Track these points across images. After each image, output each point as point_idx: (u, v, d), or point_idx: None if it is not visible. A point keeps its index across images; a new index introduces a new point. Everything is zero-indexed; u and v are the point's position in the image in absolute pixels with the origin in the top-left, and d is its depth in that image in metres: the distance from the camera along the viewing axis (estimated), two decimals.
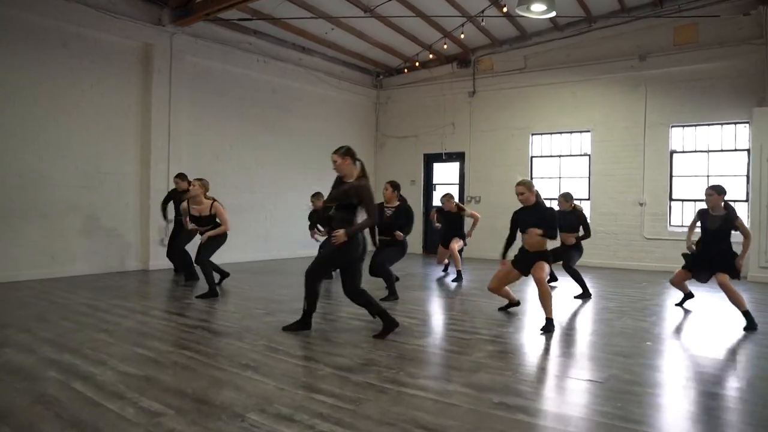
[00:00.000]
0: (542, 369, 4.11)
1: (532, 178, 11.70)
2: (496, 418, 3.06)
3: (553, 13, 8.64)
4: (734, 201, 9.68)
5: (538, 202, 5.56)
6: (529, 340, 4.93)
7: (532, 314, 5.98)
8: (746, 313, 5.41)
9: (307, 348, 4.50)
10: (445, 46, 11.27)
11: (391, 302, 6.49)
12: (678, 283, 6.27)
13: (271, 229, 11.17)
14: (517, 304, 6.19)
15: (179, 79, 9.53)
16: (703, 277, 5.93)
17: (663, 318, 6.04)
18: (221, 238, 7.03)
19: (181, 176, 8.31)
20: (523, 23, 10.90)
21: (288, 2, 9.43)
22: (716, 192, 5.82)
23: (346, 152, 5.07)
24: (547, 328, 5.15)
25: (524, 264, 5.55)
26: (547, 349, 4.61)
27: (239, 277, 8.40)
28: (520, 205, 5.61)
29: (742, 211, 9.51)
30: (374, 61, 12.82)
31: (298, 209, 11.77)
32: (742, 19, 9.47)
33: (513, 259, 5.67)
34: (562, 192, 7.58)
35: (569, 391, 3.62)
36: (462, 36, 10.70)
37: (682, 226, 10.16)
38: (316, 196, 8.63)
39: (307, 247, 11.75)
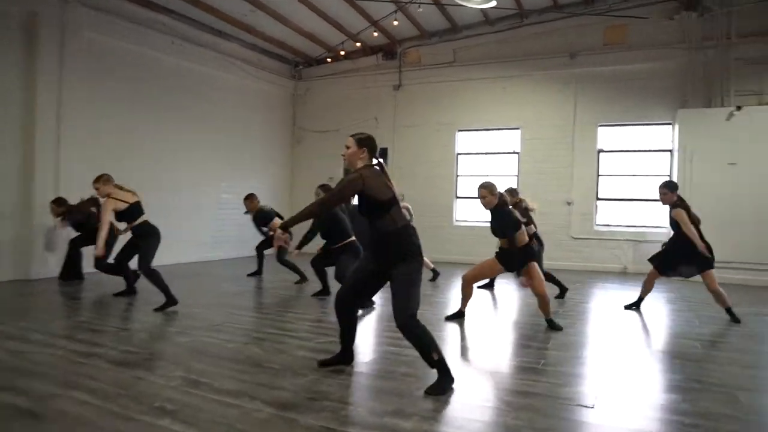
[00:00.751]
0: (524, 393, 3.51)
1: (457, 176, 11.31)
2: None
3: (494, 3, 8.22)
4: (657, 200, 9.76)
5: (497, 205, 5.17)
6: (490, 356, 4.35)
7: (474, 326, 5.43)
8: (729, 310, 5.77)
9: (238, 379, 3.62)
10: (375, 34, 10.58)
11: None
12: (650, 282, 6.21)
13: (185, 229, 9.92)
14: (462, 316, 5.66)
15: (74, 57, 8.08)
16: (685, 272, 6.00)
17: (622, 322, 5.70)
18: (152, 240, 6.05)
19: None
20: (454, 15, 10.45)
21: None
22: (669, 189, 5.89)
23: (361, 141, 3.62)
24: (552, 326, 5.22)
25: (510, 261, 5.29)
26: (523, 368, 4.04)
27: (147, 285, 7.25)
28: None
29: (664, 210, 9.59)
30: (294, 50, 11.90)
31: (215, 206, 10.73)
32: (668, 23, 9.55)
33: (497, 252, 5.40)
34: (507, 188, 7.18)
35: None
36: (395, 22, 10.02)
37: (609, 225, 10.16)
38: (249, 198, 8.10)
39: (216, 249, 10.79)
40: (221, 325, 5.21)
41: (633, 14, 9.51)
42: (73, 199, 7.55)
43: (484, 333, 5.25)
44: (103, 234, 5.84)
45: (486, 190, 5.14)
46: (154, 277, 5.82)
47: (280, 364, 3.97)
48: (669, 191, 5.87)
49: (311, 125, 12.70)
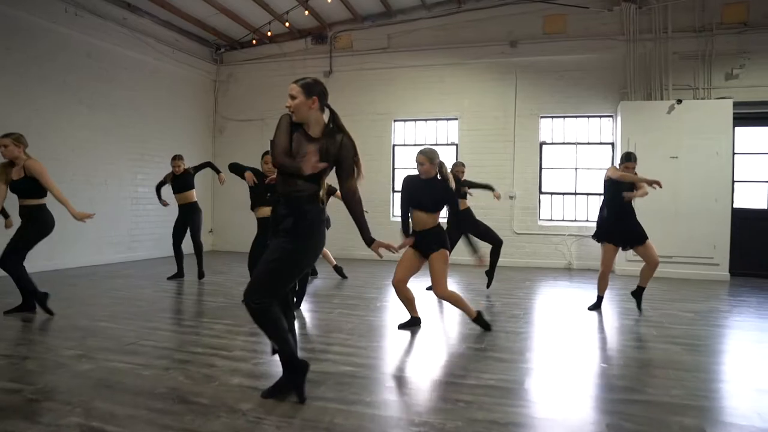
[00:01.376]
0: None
1: (394, 168, 10.70)
2: None
3: None
4: (600, 194, 9.57)
5: (436, 178, 4.75)
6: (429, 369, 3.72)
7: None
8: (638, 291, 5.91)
9: (157, 424, 2.78)
10: (307, 12, 9.66)
11: None
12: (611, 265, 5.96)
13: (98, 227, 8.63)
14: (417, 323, 5.05)
15: None
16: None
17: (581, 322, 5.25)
18: (42, 226, 5.07)
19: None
20: None
21: None
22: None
23: (309, 87, 3.15)
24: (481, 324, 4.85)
25: (425, 247, 4.75)
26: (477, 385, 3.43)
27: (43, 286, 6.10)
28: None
29: None
30: (215, 31, 10.80)
31: (131, 201, 9.56)
32: (607, 14, 9.37)
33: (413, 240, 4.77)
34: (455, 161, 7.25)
35: None
36: (329, 0, 9.18)
37: (552, 220, 9.89)
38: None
39: (134, 248, 9.62)
40: (135, 343, 4.29)
41: (573, 3, 9.26)
42: None
43: (435, 342, 4.63)
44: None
45: (425, 157, 4.69)
46: (20, 273, 4.90)
47: (210, 396, 3.16)
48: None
49: (234, 114, 11.66)
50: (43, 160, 7.73)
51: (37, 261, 7.44)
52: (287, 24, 10.00)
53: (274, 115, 10.90)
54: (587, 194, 9.68)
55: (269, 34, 10.38)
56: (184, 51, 10.67)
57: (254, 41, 10.88)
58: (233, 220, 11.30)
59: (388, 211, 10.58)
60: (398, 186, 10.66)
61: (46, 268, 7.83)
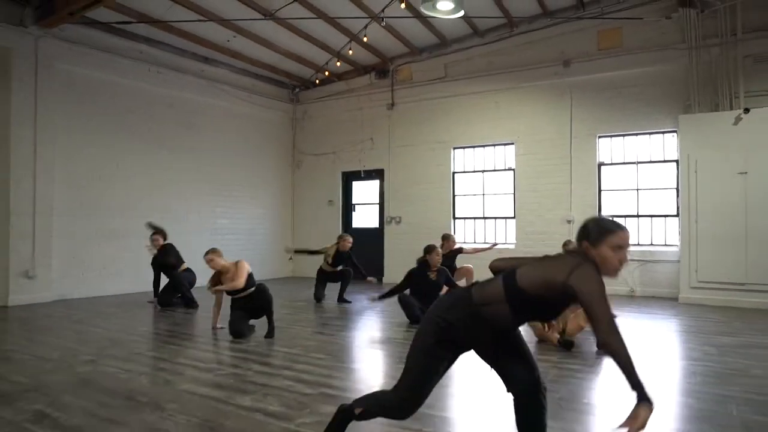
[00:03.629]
0: None
1: (454, 196, 10.76)
2: None
3: (461, 13, 7.76)
4: (664, 216, 8.94)
5: None
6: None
7: None
8: None
9: (91, 414, 3.32)
10: (351, 52, 10.22)
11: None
12: None
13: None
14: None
15: (48, 89, 8.20)
16: None
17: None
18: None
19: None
20: (441, 29, 10.06)
21: (178, 5, 8.31)
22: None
23: None
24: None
25: None
26: None
27: (106, 311, 7.13)
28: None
29: (673, 226, 8.76)
30: (287, 73, 11.78)
31: (204, 232, 10.62)
32: (665, 22, 8.82)
33: None
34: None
35: None
36: (365, 38, 9.68)
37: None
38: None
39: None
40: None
41: (627, 16, 8.85)
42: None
43: None
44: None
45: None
46: None
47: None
48: None
49: (310, 149, 12.50)
50: (125, 196, 9.07)
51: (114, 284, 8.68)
52: (338, 63, 10.65)
53: (344, 147, 11.69)
54: (651, 216, 9.03)
55: (327, 74, 11.10)
56: (260, 94, 11.73)
57: (317, 81, 11.64)
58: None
59: None
60: (459, 213, 10.72)
61: (127, 291, 9.01)
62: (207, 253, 5.80)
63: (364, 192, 12.09)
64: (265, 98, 11.86)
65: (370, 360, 5.02)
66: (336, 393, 3.81)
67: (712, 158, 8.03)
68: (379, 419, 2.79)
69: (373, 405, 2.56)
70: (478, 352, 2.41)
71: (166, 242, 8.17)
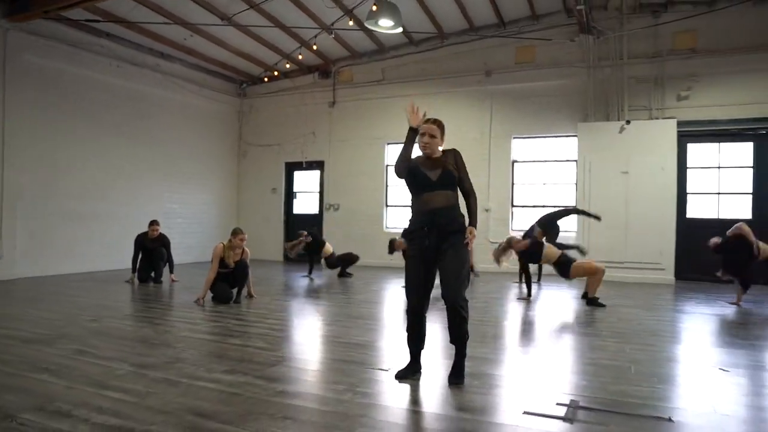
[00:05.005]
0: (351, 362, 4.21)
1: (387, 186, 12.09)
2: (271, 403, 3.11)
3: (400, 29, 9.03)
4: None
5: None
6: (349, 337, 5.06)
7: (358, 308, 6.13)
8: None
9: (118, 350, 4.31)
10: (301, 57, 11.40)
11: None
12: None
13: (124, 238, 10.52)
14: None
15: (15, 79, 8.77)
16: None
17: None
18: None
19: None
20: (381, 38, 11.28)
21: (142, 6, 9.06)
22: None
23: (443, 128, 3.85)
24: None
25: None
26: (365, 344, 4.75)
27: (79, 285, 7.92)
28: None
29: (571, 217, 10.40)
30: (237, 70, 12.65)
31: (155, 215, 11.33)
32: (570, 44, 10.43)
33: None
34: None
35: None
36: (314, 47, 10.85)
37: (522, 230, 10.94)
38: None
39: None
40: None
41: (540, 36, 10.41)
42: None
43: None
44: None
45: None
46: None
47: (161, 341, 4.67)
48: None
49: (255, 140, 13.42)
50: (88, 182, 9.74)
51: (82, 263, 9.39)
52: (288, 65, 11.70)
53: (288, 140, 12.69)
54: (556, 207, 10.66)
55: (276, 73, 12.09)
56: (210, 88, 12.54)
57: (266, 78, 12.61)
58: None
59: (382, 224, 11.98)
60: (391, 201, 12.07)
61: (92, 269, 9.72)
62: (242, 232, 6.87)
63: (306, 181, 13.19)
64: (214, 92, 12.67)
65: (315, 314, 6.22)
66: (300, 335, 5.00)
67: (602, 159, 9.75)
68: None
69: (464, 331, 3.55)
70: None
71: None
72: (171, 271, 8.78)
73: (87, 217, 9.87)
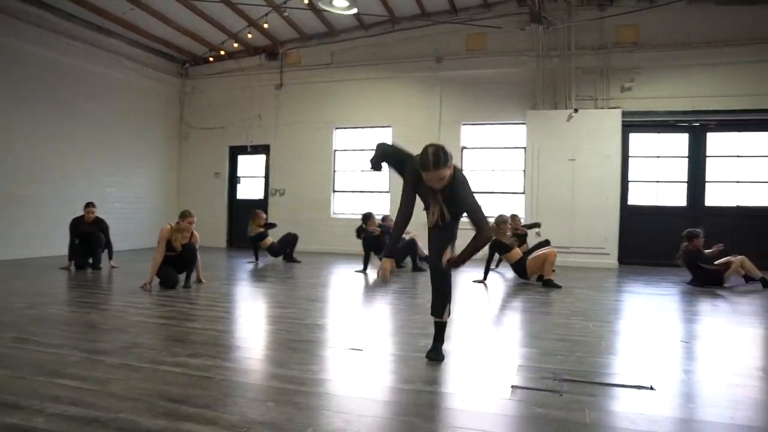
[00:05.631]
0: (319, 343, 4.06)
1: (334, 171, 11.93)
2: (248, 386, 2.94)
3: (355, 10, 8.87)
4: (514, 193, 10.80)
5: None
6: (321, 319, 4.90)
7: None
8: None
9: (66, 337, 3.96)
10: (250, 35, 11.00)
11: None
12: None
13: (58, 223, 9.84)
14: None
15: None
16: None
17: None
18: None
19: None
20: (331, 20, 11.05)
21: None
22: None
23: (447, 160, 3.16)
24: None
25: None
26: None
27: (11, 272, 7.33)
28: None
29: (520, 201, 10.57)
30: (180, 48, 12.06)
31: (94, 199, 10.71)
32: (520, 33, 10.56)
33: None
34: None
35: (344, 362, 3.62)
36: (266, 25, 10.49)
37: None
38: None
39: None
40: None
41: (491, 24, 10.49)
42: None
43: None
44: None
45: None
46: None
47: (112, 325, 4.35)
48: None
49: (198, 122, 12.89)
50: (19, 162, 9.05)
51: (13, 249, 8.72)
52: (236, 45, 11.26)
53: (233, 123, 12.28)
54: (503, 193, 10.84)
55: (222, 53, 11.61)
56: (152, 67, 11.92)
57: (210, 58, 12.10)
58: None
59: (329, 210, 11.84)
60: (338, 187, 11.92)
61: (23, 256, 9.04)
62: (191, 215, 6.47)
63: (250, 165, 12.80)
64: (156, 71, 12.05)
65: (271, 297, 6.03)
66: (260, 318, 4.81)
67: (550, 147, 9.95)
68: None
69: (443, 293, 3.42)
70: None
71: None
72: (110, 257, 8.29)
73: (18, 200, 9.15)
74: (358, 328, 4.52)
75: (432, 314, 3.49)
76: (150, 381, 2.97)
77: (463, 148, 11.09)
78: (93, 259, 8.13)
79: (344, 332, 4.36)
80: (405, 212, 3.35)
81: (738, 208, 9.92)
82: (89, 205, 8.25)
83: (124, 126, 11.35)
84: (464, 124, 11.04)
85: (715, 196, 10.00)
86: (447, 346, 3.63)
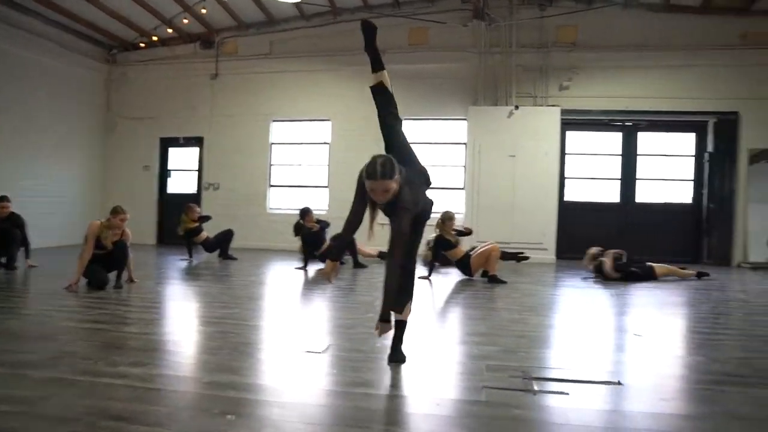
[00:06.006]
0: (274, 346, 3.83)
1: (270, 165, 11.58)
2: (203, 397, 2.68)
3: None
4: (454, 189, 10.82)
5: None
6: (255, 319, 4.65)
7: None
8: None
9: None
10: (185, 21, 10.44)
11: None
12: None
13: None
14: None
15: None
16: None
17: None
18: None
19: None
20: (271, 8, 10.69)
21: None
22: None
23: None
24: None
25: None
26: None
27: None
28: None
29: (460, 197, 10.59)
30: (107, 32, 11.26)
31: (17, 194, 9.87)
32: (462, 29, 10.58)
33: None
34: None
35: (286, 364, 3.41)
36: (203, 11, 10.00)
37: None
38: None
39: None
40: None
41: (434, 19, 10.46)
42: None
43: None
44: None
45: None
46: None
47: (37, 333, 3.92)
48: None
49: (127, 112, 12.14)
50: None
51: None
52: (170, 30, 10.68)
53: (165, 114, 11.67)
54: (443, 188, 10.80)
55: (155, 38, 10.98)
56: (77, 51, 11.11)
57: (142, 44, 11.41)
58: None
59: (265, 204, 11.50)
60: (274, 181, 11.59)
61: None
62: (123, 211, 5.96)
63: (183, 158, 12.22)
64: (80, 56, 11.25)
65: (211, 297, 5.72)
66: (204, 320, 4.52)
67: (491, 143, 10.03)
68: None
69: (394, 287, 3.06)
70: None
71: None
72: (27, 256, 7.62)
73: None
74: (309, 329, 4.32)
75: (391, 313, 3.27)
76: (89, 396, 2.63)
77: None
78: (8, 259, 7.45)
79: (294, 333, 4.14)
80: (353, 221, 3.17)
81: (665, 204, 10.40)
82: (3, 200, 7.59)
83: (45, 114, 10.51)
84: (405, 119, 10.86)
85: (644, 193, 10.44)
86: (404, 346, 3.49)
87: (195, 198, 11.74)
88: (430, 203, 3.43)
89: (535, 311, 5.12)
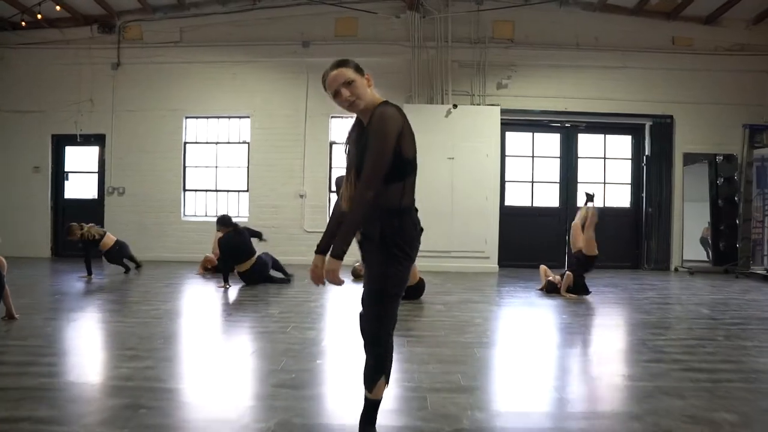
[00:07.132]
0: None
1: (185, 167, 10.31)
2: None
3: None
4: None
5: None
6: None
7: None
8: None
9: None
10: None
11: None
12: None
13: None
14: None
15: None
16: None
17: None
18: None
19: None
20: None
21: None
22: None
23: (358, 67, 2.36)
24: None
25: None
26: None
27: None
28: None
29: None
30: None
31: None
32: (395, 20, 9.82)
33: None
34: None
35: None
36: None
37: None
38: None
39: None
40: None
41: (364, 8, 9.61)
42: None
43: None
44: None
45: None
46: None
47: None
48: None
49: (9, 104, 10.44)
50: None
51: None
52: (57, 8, 9.23)
53: (58, 107, 10.17)
54: None
55: (39, 17, 9.42)
56: None
57: (23, 23, 9.79)
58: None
59: (179, 211, 10.15)
60: (189, 185, 10.32)
61: None
62: None
63: (81, 159, 10.68)
64: None
65: (93, 336, 4.54)
66: (91, 389, 3.37)
67: (428, 144, 9.18)
68: None
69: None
70: None
71: None
72: None
73: None
74: (250, 391, 3.25)
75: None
76: None
77: (332, 143, 10.05)
78: None
79: (229, 402, 3.07)
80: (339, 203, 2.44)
81: (604, 209, 9.96)
82: None
83: None
84: (333, 117, 10.01)
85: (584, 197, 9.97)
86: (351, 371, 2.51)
87: (96, 203, 10.30)
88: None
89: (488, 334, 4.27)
